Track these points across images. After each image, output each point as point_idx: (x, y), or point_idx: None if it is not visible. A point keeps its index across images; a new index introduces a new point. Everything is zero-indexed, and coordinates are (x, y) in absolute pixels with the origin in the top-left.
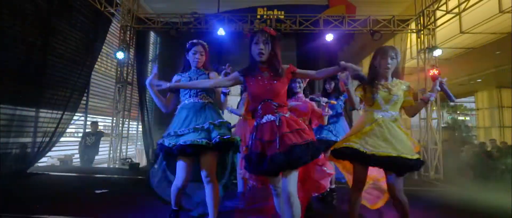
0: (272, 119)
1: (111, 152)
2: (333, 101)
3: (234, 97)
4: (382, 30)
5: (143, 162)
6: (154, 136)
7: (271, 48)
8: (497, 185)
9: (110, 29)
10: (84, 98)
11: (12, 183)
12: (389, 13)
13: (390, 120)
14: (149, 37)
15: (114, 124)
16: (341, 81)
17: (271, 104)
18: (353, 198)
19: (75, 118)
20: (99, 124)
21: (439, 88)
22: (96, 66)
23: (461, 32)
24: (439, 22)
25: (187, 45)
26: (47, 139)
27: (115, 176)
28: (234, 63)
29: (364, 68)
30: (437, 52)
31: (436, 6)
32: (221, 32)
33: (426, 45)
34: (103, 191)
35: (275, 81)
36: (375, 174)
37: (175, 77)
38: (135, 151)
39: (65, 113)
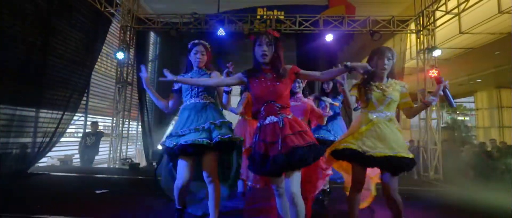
0: (275, 120)
1: (111, 152)
2: (336, 103)
3: (234, 98)
4: (382, 30)
5: (143, 162)
6: (154, 136)
7: (274, 50)
8: (497, 185)
9: (110, 29)
10: (84, 98)
11: (13, 183)
12: (389, 13)
13: (385, 120)
14: (149, 37)
15: (114, 124)
16: (338, 82)
17: (274, 105)
18: (352, 198)
19: (75, 118)
20: (99, 124)
21: (441, 93)
22: (96, 66)
23: (461, 32)
24: (438, 22)
25: (189, 46)
26: (47, 139)
27: (115, 176)
28: (234, 63)
29: None
30: (437, 53)
31: (435, 7)
32: (221, 32)
33: (425, 46)
34: (104, 191)
35: (278, 83)
36: (368, 172)
37: (180, 78)
38: (135, 151)
39: (65, 113)
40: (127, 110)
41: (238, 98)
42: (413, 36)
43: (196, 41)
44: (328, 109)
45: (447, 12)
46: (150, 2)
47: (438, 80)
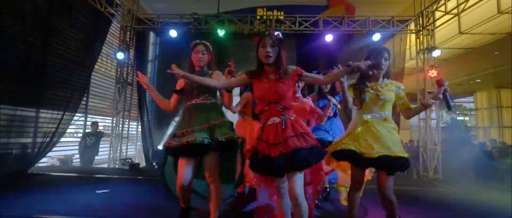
0: (277, 121)
1: (111, 152)
2: (340, 106)
3: (235, 98)
4: (381, 30)
5: (143, 162)
6: (154, 136)
7: (278, 51)
8: (497, 185)
9: (110, 29)
10: (84, 98)
11: (13, 183)
12: (388, 13)
13: (380, 120)
14: (149, 37)
15: (114, 124)
16: (338, 80)
17: (276, 106)
18: (351, 198)
19: (75, 118)
20: (99, 124)
21: (441, 96)
22: (96, 66)
23: (460, 32)
24: (438, 22)
25: (191, 46)
26: (48, 139)
27: (115, 176)
28: (234, 64)
29: None
30: (436, 53)
31: (435, 7)
32: (221, 32)
33: (425, 46)
34: (104, 191)
35: (281, 84)
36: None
37: (181, 80)
38: (135, 151)
39: (66, 113)
40: (127, 110)
41: (239, 98)
42: (413, 36)
43: (197, 41)
44: (329, 109)
45: (446, 13)
46: (150, 3)
47: (440, 83)
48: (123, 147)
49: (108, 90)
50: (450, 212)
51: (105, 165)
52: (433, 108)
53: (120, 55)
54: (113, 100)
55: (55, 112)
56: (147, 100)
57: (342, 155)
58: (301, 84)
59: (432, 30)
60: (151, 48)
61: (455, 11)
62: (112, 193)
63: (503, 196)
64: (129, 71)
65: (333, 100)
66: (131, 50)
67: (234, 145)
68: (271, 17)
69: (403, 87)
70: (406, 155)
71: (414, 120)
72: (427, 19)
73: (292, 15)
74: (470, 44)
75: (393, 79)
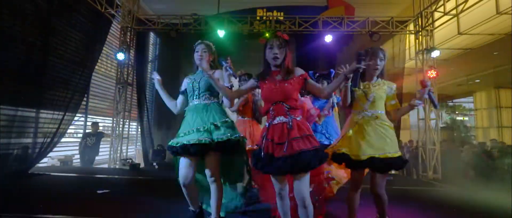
0: (284, 120)
1: (112, 152)
2: (336, 108)
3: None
4: (381, 31)
5: (143, 163)
6: (154, 136)
7: (285, 53)
8: (497, 185)
9: (110, 30)
10: (84, 99)
11: (14, 184)
12: (388, 14)
13: (371, 119)
14: (149, 38)
15: (114, 125)
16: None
17: (283, 106)
18: (351, 198)
19: (75, 118)
20: (99, 124)
21: (427, 96)
22: (96, 67)
23: (459, 33)
24: (437, 23)
25: (193, 46)
26: (48, 140)
27: (116, 176)
28: (234, 64)
29: None
30: (435, 54)
31: (434, 8)
32: (220, 33)
33: (424, 46)
34: (105, 191)
35: (287, 84)
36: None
37: (185, 81)
38: (135, 152)
39: (66, 113)
40: (127, 110)
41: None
42: (412, 37)
43: (199, 41)
44: (328, 109)
45: (445, 13)
46: (150, 3)
47: (423, 84)
48: (123, 147)
49: (108, 91)
50: (449, 212)
51: (106, 165)
52: (420, 108)
53: (121, 56)
54: (113, 101)
55: (55, 112)
56: (147, 101)
57: (336, 158)
58: None
59: (431, 30)
60: (151, 48)
61: (454, 12)
62: (113, 194)
63: (503, 196)
64: (129, 71)
65: (334, 98)
66: (131, 50)
67: (234, 145)
68: (271, 18)
69: (394, 88)
70: (394, 155)
71: (414, 120)
72: (426, 20)
73: (292, 16)
74: (469, 44)
75: (392, 80)
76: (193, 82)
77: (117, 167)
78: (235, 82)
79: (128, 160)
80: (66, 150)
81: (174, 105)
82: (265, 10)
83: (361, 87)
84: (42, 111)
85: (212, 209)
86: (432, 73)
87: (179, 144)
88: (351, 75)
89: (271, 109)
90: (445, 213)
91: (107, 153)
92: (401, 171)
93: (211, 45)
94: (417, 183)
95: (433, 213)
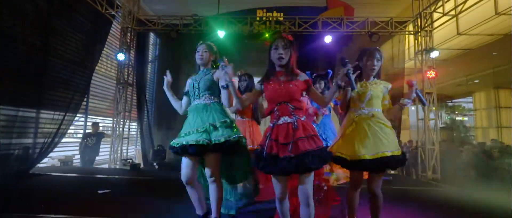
0: (289, 121)
1: (112, 152)
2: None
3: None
4: (380, 32)
5: (143, 163)
6: (154, 136)
7: (290, 53)
8: (497, 185)
9: (110, 30)
10: (84, 99)
11: (15, 184)
12: (387, 15)
13: (367, 117)
14: (149, 38)
15: (114, 125)
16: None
17: (287, 106)
18: (351, 197)
19: (75, 119)
20: (99, 125)
21: (414, 95)
22: (96, 67)
23: (458, 33)
24: (436, 24)
25: (196, 47)
26: (49, 140)
27: (116, 176)
28: (234, 64)
29: None
30: (434, 54)
31: (433, 8)
32: (221, 34)
33: (423, 47)
34: (106, 191)
35: (291, 85)
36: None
37: (188, 81)
38: (135, 152)
39: (67, 114)
40: (127, 110)
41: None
42: (411, 37)
43: (201, 41)
44: (326, 108)
45: (444, 14)
46: (151, 4)
47: (410, 84)
48: (123, 148)
49: (108, 91)
50: (448, 212)
51: (106, 166)
52: (434, 108)
53: (121, 56)
54: (113, 101)
55: (56, 113)
56: (147, 101)
57: (334, 159)
58: None
59: (431, 31)
60: (151, 49)
61: (453, 12)
62: (114, 194)
63: (502, 196)
64: (129, 72)
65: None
66: (131, 51)
67: (233, 145)
68: (270, 19)
69: (389, 87)
70: (388, 154)
71: (413, 120)
72: (425, 20)
73: (292, 17)
74: (468, 45)
75: (392, 80)
76: (194, 83)
77: (117, 167)
78: (235, 82)
79: (128, 160)
80: (66, 150)
81: (179, 106)
82: (265, 10)
83: (359, 86)
84: (42, 111)
85: (212, 208)
86: (431, 74)
87: (179, 145)
88: (344, 82)
89: (275, 109)
90: (444, 213)
91: (107, 153)
92: (400, 171)
93: (212, 46)
94: (416, 183)
95: (432, 213)
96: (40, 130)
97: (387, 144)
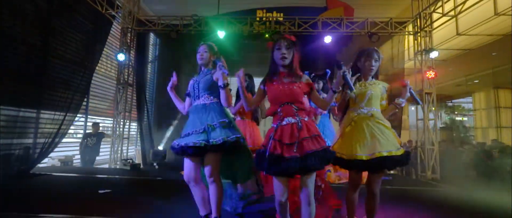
0: (293, 121)
1: (112, 152)
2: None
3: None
4: (380, 32)
5: (142, 163)
6: (154, 136)
7: (292, 54)
8: (496, 185)
9: (111, 31)
10: (85, 99)
11: (16, 184)
12: (387, 15)
13: (367, 116)
14: (149, 39)
15: (115, 125)
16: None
17: (291, 107)
18: (350, 198)
19: (75, 119)
20: (100, 125)
21: (409, 94)
22: (96, 67)
23: (458, 34)
24: (435, 24)
25: (197, 48)
26: (49, 140)
27: (117, 176)
28: (234, 64)
29: None
30: (434, 54)
31: (432, 9)
32: (221, 34)
33: (423, 47)
34: (106, 191)
35: (295, 87)
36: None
37: (190, 82)
38: (135, 152)
39: (67, 114)
40: (127, 110)
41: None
42: (411, 37)
43: (202, 42)
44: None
45: (444, 14)
46: (151, 4)
47: (403, 84)
48: (123, 148)
49: (108, 91)
50: (448, 212)
51: (106, 166)
52: (433, 108)
53: (121, 57)
54: (113, 101)
55: (56, 113)
56: (147, 101)
57: (340, 160)
58: None
59: (430, 31)
60: (151, 49)
61: (452, 12)
62: (114, 194)
63: (502, 196)
64: (129, 72)
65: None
66: (131, 51)
67: (233, 145)
68: (270, 19)
69: (387, 87)
70: (384, 154)
71: (413, 120)
72: (424, 21)
73: (292, 17)
74: (468, 45)
75: (392, 80)
76: (194, 83)
77: (117, 167)
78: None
79: (128, 160)
80: (67, 150)
81: (183, 107)
82: (264, 11)
83: (358, 86)
84: (43, 111)
85: (212, 208)
86: (431, 74)
87: (178, 146)
88: (341, 87)
89: (279, 110)
90: (444, 213)
91: (107, 153)
92: (400, 171)
93: (213, 46)
94: (415, 183)
95: (432, 213)
96: (40, 130)
97: (384, 144)
